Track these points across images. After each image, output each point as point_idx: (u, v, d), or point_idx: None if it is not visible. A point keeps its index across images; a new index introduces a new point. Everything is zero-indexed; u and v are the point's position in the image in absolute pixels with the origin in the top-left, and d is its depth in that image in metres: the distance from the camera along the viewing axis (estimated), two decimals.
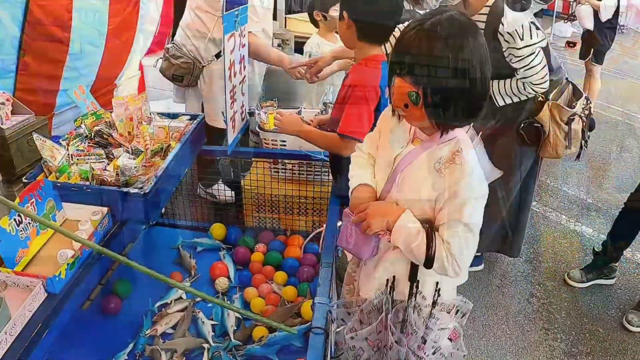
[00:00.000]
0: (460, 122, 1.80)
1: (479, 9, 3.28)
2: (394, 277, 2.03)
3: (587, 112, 3.56)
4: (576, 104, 3.50)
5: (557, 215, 5.29)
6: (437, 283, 2.00)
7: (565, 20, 14.93)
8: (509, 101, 3.42)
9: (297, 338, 2.63)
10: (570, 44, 11.91)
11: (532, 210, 5.18)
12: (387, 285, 2.04)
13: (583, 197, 5.75)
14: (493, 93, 3.41)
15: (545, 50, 3.27)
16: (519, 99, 3.40)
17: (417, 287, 1.99)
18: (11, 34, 4.36)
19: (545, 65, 3.24)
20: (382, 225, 1.90)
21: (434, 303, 2.03)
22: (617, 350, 3.66)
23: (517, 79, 3.31)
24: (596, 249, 4.28)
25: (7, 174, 3.63)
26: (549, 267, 4.45)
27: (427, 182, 1.83)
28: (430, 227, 1.82)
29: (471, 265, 4.19)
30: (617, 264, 4.29)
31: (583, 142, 3.60)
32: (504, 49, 3.24)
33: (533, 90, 3.29)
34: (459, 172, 1.76)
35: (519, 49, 3.16)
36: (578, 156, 3.72)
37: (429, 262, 1.81)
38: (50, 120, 4.79)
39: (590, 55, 7.93)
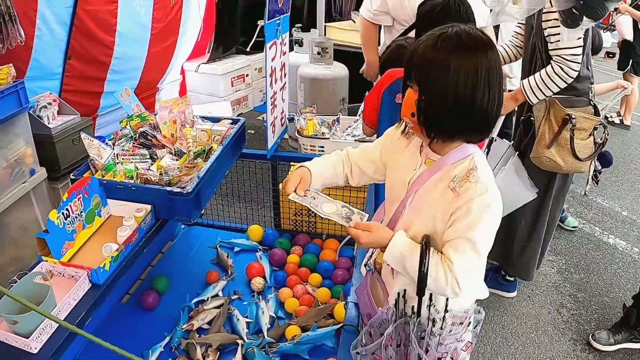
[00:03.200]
0: (462, 137, 1.79)
1: None
2: (404, 290, 1.97)
3: (600, 138, 3.37)
4: (586, 119, 3.34)
5: (591, 227, 5.27)
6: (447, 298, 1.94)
7: (605, 30, 14.80)
8: (541, 96, 3.31)
9: (329, 338, 2.70)
10: (609, 55, 11.78)
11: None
12: (397, 298, 2.00)
13: (617, 210, 5.72)
14: (525, 91, 3.35)
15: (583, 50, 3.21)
16: (550, 90, 3.26)
17: (430, 299, 1.91)
18: (58, 37, 4.47)
19: (581, 45, 3.13)
20: (373, 245, 1.94)
21: (444, 318, 1.97)
22: None
23: (549, 63, 3.23)
24: (626, 304, 3.82)
25: (52, 170, 3.76)
26: (581, 279, 4.45)
27: (441, 201, 1.79)
28: (425, 243, 1.75)
29: (505, 290, 4.17)
30: None
31: (578, 159, 3.36)
32: (542, 19, 3.18)
33: (562, 70, 3.15)
34: (473, 190, 1.73)
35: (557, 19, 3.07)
36: (592, 179, 3.57)
37: (421, 280, 1.73)
38: (93, 121, 4.90)
39: (629, 67, 7.88)
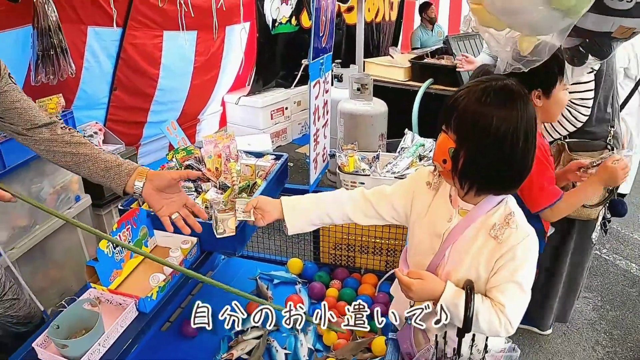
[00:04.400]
0: (496, 190, 1.82)
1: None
2: (445, 332, 1.97)
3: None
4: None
5: (627, 263, 5.22)
6: (487, 337, 1.95)
7: None
8: (556, 135, 3.32)
9: None
10: None
11: (601, 258, 5.16)
12: (437, 340, 2.00)
13: None
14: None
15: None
16: (558, 133, 3.28)
17: (472, 340, 1.93)
18: (105, 69, 4.64)
19: (590, 89, 3.14)
20: (424, 299, 1.89)
21: (484, 358, 1.98)
22: None
23: None
24: None
25: (96, 198, 3.88)
26: (616, 316, 4.43)
27: (484, 250, 1.84)
28: (470, 289, 1.78)
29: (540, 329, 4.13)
30: None
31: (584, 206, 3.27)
32: None
33: (570, 114, 3.18)
34: (515, 236, 1.78)
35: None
36: (601, 227, 3.47)
37: (467, 324, 1.75)
38: (136, 150, 5.04)
39: None
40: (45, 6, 3.59)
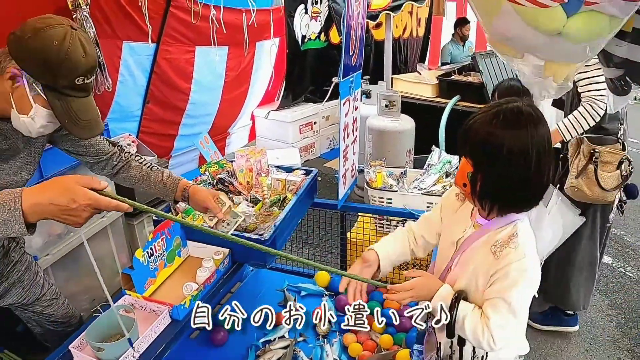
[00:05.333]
0: (517, 209, 1.89)
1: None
2: (451, 341, 2.02)
3: (625, 171, 3.60)
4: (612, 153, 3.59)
5: None
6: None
7: None
8: (574, 133, 3.60)
9: None
10: None
11: (625, 276, 5.16)
12: (439, 347, 2.09)
13: None
14: (561, 130, 3.63)
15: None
16: (582, 127, 3.54)
17: (474, 351, 2.01)
18: (139, 83, 4.73)
19: (606, 88, 3.29)
20: (424, 296, 1.98)
21: None
22: None
23: (581, 102, 3.51)
24: None
25: None
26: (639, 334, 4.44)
27: (484, 263, 1.90)
28: (456, 298, 1.88)
29: (567, 325, 4.18)
30: None
31: (603, 189, 3.59)
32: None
33: (592, 108, 3.44)
34: (512, 255, 1.83)
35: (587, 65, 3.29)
36: (618, 209, 3.76)
37: (449, 330, 1.85)
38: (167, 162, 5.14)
39: None
40: (84, 22, 3.70)
